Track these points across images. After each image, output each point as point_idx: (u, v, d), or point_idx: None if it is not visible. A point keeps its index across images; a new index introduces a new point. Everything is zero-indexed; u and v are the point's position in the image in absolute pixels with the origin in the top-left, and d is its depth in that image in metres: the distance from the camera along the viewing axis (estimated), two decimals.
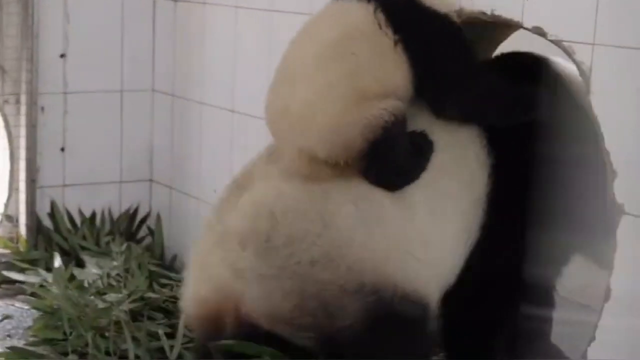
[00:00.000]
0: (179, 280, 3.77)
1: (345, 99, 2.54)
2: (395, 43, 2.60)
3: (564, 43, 2.53)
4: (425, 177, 2.62)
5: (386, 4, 2.63)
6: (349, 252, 2.51)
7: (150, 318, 3.48)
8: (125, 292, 3.61)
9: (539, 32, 2.60)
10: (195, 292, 2.71)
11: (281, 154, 2.64)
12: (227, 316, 2.62)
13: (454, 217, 2.67)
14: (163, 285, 3.77)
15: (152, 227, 4.35)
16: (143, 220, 4.40)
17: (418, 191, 2.61)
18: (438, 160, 2.64)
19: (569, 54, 2.52)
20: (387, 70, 2.59)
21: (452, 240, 2.68)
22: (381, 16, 2.61)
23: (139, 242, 4.30)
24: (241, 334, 2.61)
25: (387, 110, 2.53)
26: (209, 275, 2.65)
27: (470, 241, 2.71)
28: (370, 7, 2.62)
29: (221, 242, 2.64)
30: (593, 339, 2.51)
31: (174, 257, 4.20)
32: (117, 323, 3.31)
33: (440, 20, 2.67)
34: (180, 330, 3.17)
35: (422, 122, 2.67)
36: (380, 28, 2.60)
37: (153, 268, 3.92)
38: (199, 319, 2.72)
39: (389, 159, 2.55)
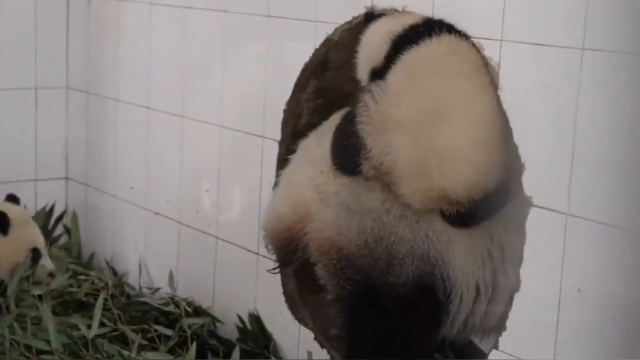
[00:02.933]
0: (99, 278, 3.76)
1: (492, 138, 2.46)
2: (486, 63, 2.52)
3: (473, 39, 2.57)
4: None
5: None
6: None
7: (71, 312, 3.46)
8: (46, 288, 3.57)
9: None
10: (274, 208, 2.77)
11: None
12: (299, 237, 2.67)
13: None
14: (83, 281, 3.74)
15: (69, 225, 4.31)
16: (59, 219, 4.34)
17: None
18: None
19: (478, 49, 2.56)
20: None
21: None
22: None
23: (55, 240, 4.25)
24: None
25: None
26: (291, 193, 2.70)
27: None
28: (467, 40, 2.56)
29: (314, 164, 2.67)
30: (504, 329, 2.56)
31: (92, 256, 4.17)
32: (38, 318, 3.29)
33: None
34: (97, 318, 3.20)
35: None
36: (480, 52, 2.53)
37: (72, 266, 3.88)
38: (274, 235, 2.76)
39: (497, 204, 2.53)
